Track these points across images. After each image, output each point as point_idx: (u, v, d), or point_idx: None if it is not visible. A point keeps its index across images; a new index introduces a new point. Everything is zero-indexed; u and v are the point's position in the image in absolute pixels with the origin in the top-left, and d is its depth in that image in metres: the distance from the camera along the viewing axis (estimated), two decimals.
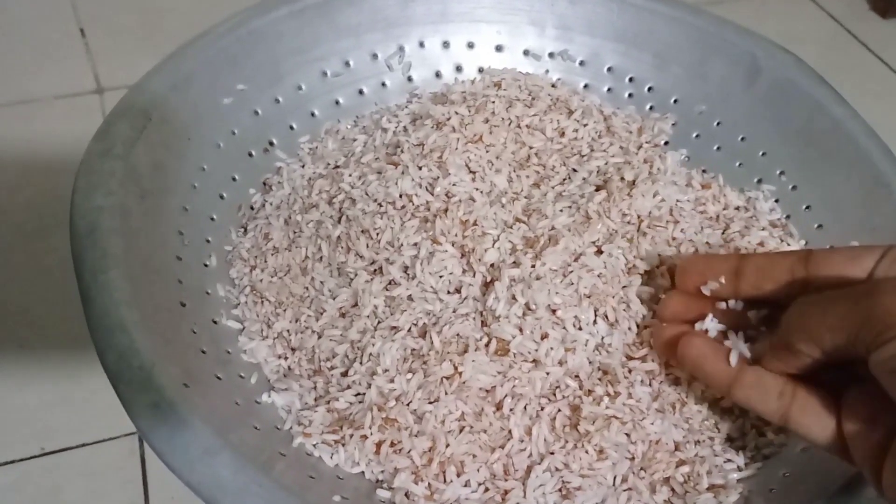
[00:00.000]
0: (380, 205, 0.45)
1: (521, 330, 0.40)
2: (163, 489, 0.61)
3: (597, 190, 0.46)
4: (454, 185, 0.45)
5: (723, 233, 0.49)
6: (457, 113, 0.48)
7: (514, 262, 0.42)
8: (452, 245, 0.43)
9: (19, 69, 0.89)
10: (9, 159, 0.81)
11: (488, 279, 0.42)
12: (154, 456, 0.64)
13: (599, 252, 0.43)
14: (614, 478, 0.39)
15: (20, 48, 0.91)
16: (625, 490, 0.39)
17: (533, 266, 0.41)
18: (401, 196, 0.45)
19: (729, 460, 0.40)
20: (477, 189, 0.45)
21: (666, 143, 0.55)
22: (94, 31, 0.91)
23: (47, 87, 0.90)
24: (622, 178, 0.46)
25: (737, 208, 0.51)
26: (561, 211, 0.44)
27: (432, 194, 0.45)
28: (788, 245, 0.49)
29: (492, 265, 0.43)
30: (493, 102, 0.49)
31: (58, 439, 0.63)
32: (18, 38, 0.91)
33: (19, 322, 0.69)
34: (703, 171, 0.53)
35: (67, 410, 0.65)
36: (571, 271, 0.41)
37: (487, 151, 0.47)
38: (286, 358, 0.43)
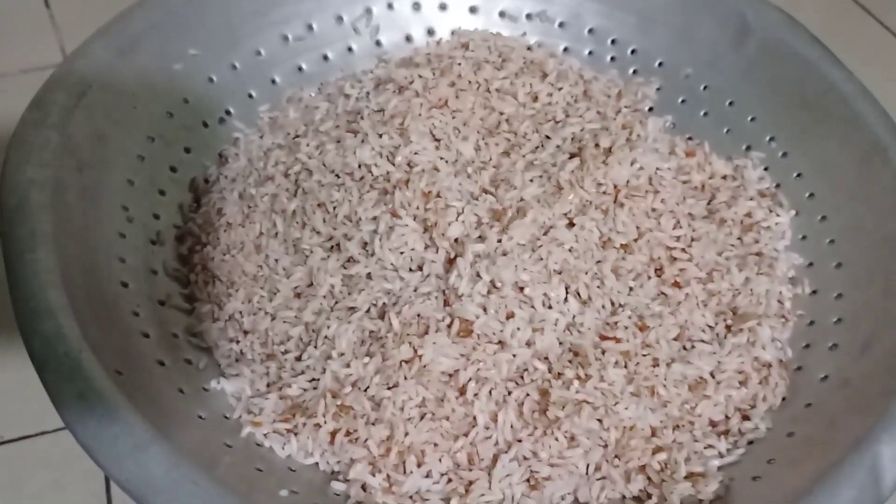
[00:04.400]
0: (337, 176, 0.42)
1: (485, 309, 0.37)
2: None
3: (570, 158, 0.43)
4: (416, 153, 0.42)
5: (708, 203, 0.46)
6: (420, 76, 0.45)
7: (479, 237, 0.39)
8: (414, 219, 0.40)
9: None
10: None
11: (452, 255, 0.40)
12: None
13: (571, 225, 0.40)
14: (586, 466, 0.36)
15: None
16: (598, 479, 0.36)
17: (499, 241, 0.39)
18: (359, 166, 0.42)
19: (710, 446, 0.38)
20: (441, 158, 0.42)
21: (650, 108, 0.52)
22: (58, 1, 0.88)
23: (13, 62, 0.87)
24: (597, 145, 0.43)
25: (723, 177, 0.48)
26: (531, 181, 0.41)
27: (393, 164, 0.42)
28: (777, 216, 0.46)
29: (456, 240, 0.40)
30: (460, 65, 0.46)
31: (17, 427, 0.61)
32: None
33: None
34: (689, 139, 0.50)
35: (26, 398, 0.62)
36: (540, 245, 0.39)
37: (453, 117, 0.44)
38: (238, 342, 0.40)
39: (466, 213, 0.40)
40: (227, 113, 0.49)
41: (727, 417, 0.39)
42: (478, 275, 0.38)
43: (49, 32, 0.83)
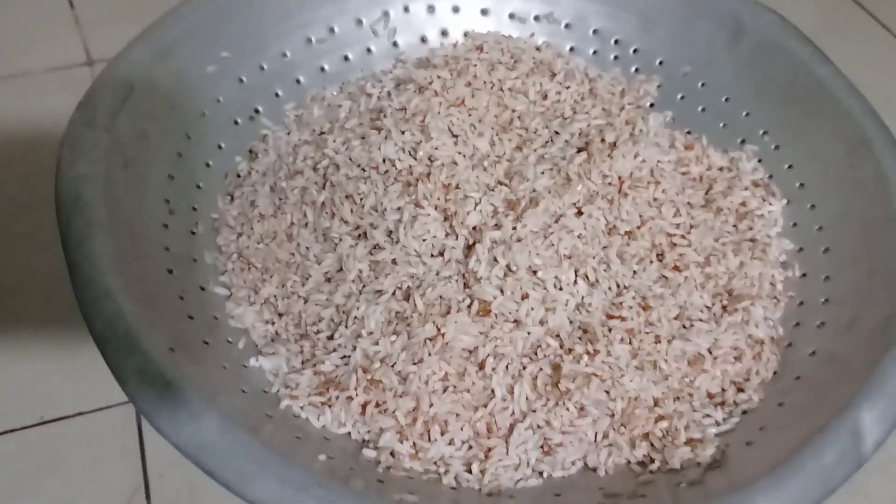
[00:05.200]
0: (363, 170, 0.45)
1: (502, 291, 0.41)
2: (159, 455, 0.62)
3: (578, 152, 0.46)
4: (436, 148, 0.45)
5: (705, 193, 0.49)
6: (439, 77, 0.48)
7: (495, 225, 0.42)
8: (435, 208, 0.43)
9: (9, 43, 0.89)
10: (1, 132, 0.81)
11: (470, 242, 0.43)
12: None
13: (580, 213, 0.43)
14: (595, 434, 0.40)
15: (9, 21, 0.90)
16: (605, 446, 0.40)
17: (514, 228, 0.42)
18: (384, 161, 0.45)
19: (707, 415, 0.41)
20: (459, 153, 0.46)
21: (651, 104, 0.55)
22: (83, 2, 0.91)
23: (38, 61, 0.89)
24: (603, 140, 0.46)
25: (720, 168, 0.51)
26: (542, 173, 0.45)
27: (415, 158, 0.45)
28: (770, 204, 0.49)
29: (474, 228, 0.43)
30: (475, 66, 0.50)
31: (56, 409, 0.64)
32: (7, 11, 0.91)
33: (15, 294, 0.69)
34: (688, 133, 0.53)
35: (65, 380, 0.65)
36: (552, 232, 0.42)
37: (470, 115, 0.48)
38: (273, 323, 0.43)
39: (483, 203, 0.43)
40: (256, 111, 0.52)
41: (723, 390, 0.42)
42: (495, 259, 0.41)
43: (73, 32, 0.86)
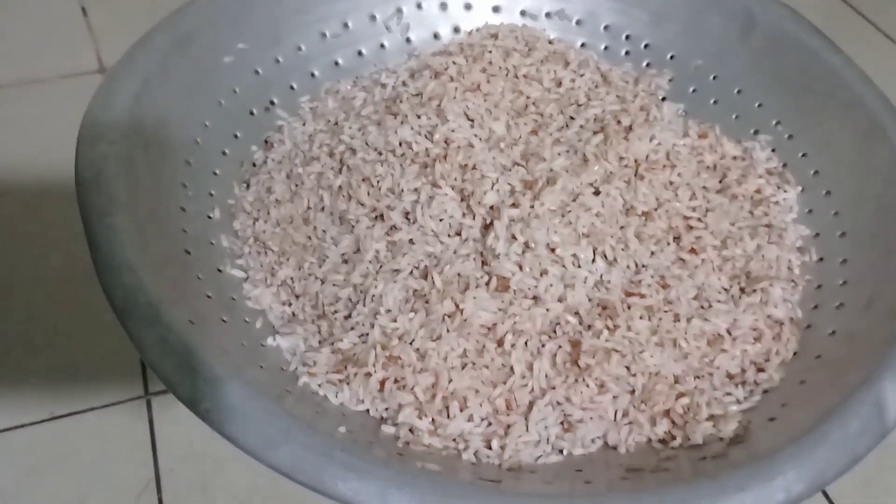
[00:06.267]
0: (380, 153, 0.46)
1: (520, 267, 0.41)
2: (170, 450, 0.61)
3: (594, 134, 0.47)
4: (453, 131, 0.45)
5: (720, 181, 0.50)
6: (454, 63, 0.49)
7: (513, 203, 0.43)
8: (452, 189, 0.43)
9: (22, 50, 0.90)
10: (14, 140, 0.82)
11: (488, 221, 0.43)
12: (162, 419, 0.65)
13: (597, 193, 0.43)
14: (615, 411, 0.39)
15: (23, 28, 0.91)
16: (626, 423, 0.39)
17: (532, 206, 0.42)
18: (400, 144, 0.45)
19: (728, 394, 0.41)
20: (475, 135, 0.46)
21: (663, 98, 0.55)
22: (96, 10, 0.92)
23: (50, 68, 0.90)
24: (619, 123, 0.47)
25: (734, 157, 0.51)
26: (559, 154, 0.45)
27: (431, 141, 0.45)
28: (785, 192, 0.50)
29: (491, 207, 0.43)
30: (490, 52, 0.50)
31: (66, 404, 0.64)
32: (21, 19, 0.92)
33: (28, 293, 0.70)
34: (701, 124, 0.54)
35: (76, 376, 0.65)
36: (569, 211, 0.42)
37: (485, 100, 0.48)
38: (290, 304, 0.43)
39: (501, 183, 0.44)
40: (272, 103, 0.53)
41: (743, 370, 0.42)
42: (513, 236, 0.41)
43: (86, 40, 0.87)
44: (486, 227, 0.43)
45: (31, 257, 0.69)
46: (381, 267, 0.43)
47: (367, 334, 0.41)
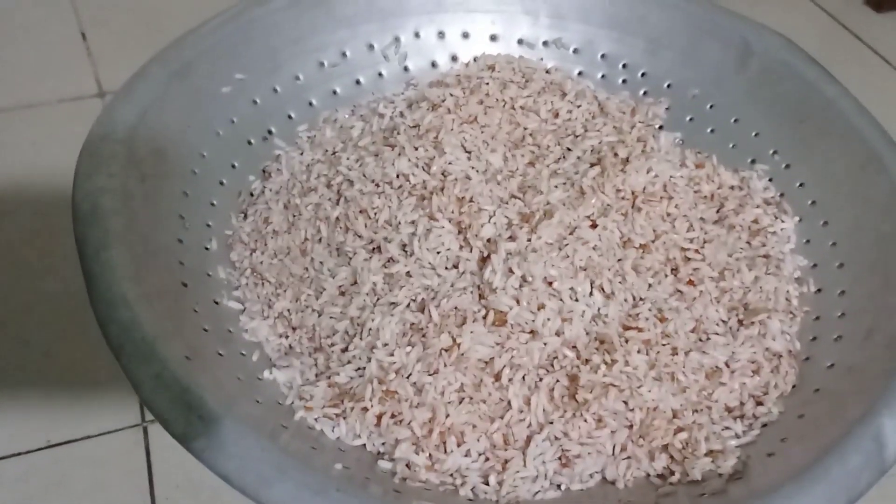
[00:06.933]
0: (377, 185, 0.46)
1: (517, 301, 0.40)
2: (167, 479, 0.61)
3: (591, 167, 0.47)
4: (450, 163, 0.45)
5: (717, 211, 0.50)
6: (451, 95, 0.49)
7: (510, 237, 0.43)
8: (449, 221, 0.43)
9: (22, 74, 0.90)
10: (13, 163, 0.82)
11: (485, 254, 0.43)
12: (158, 446, 0.64)
13: (594, 226, 0.43)
14: (613, 446, 0.39)
15: (23, 53, 0.92)
16: (624, 458, 0.39)
17: (529, 240, 0.42)
18: (398, 176, 0.45)
19: (727, 428, 0.40)
20: (472, 167, 0.46)
21: (660, 127, 0.56)
22: (95, 34, 0.92)
23: (50, 92, 0.91)
24: (616, 155, 0.47)
25: (731, 187, 0.51)
26: (556, 187, 0.45)
27: (429, 173, 0.45)
28: (783, 222, 0.50)
29: (488, 240, 0.43)
30: (488, 84, 0.50)
31: (63, 431, 0.64)
32: (21, 43, 0.92)
33: (25, 318, 0.70)
34: (698, 153, 0.54)
35: (72, 403, 0.65)
36: (567, 244, 0.42)
37: (482, 132, 0.48)
38: (287, 336, 0.43)
39: (498, 216, 0.44)
40: (269, 132, 0.53)
41: (742, 403, 0.42)
42: (510, 270, 0.41)
43: (85, 64, 0.88)
44: (484, 260, 0.43)
45: (27, 282, 0.69)
46: (378, 300, 0.42)
47: (364, 368, 0.40)
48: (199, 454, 0.33)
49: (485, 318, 0.41)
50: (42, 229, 0.77)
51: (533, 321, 0.40)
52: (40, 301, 0.69)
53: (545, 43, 0.59)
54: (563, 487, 0.38)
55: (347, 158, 0.48)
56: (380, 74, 0.57)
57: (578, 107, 0.52)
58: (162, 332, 0.36)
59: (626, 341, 0.41)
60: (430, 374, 0.39)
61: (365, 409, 0.39)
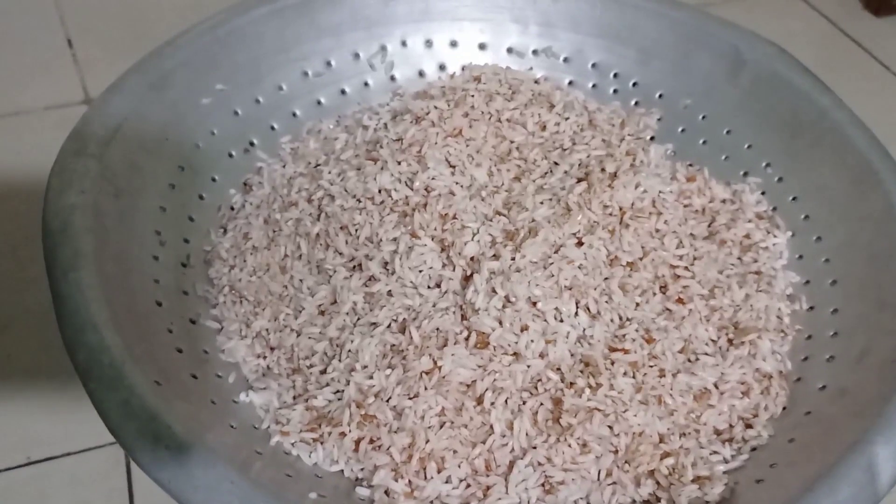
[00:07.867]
0: (358, 200, 0.44)
1: (500, 322, 0.39)
2: (148, 498, 0.60)
3: (578, 182, 0.46)
4: (433, 178, 0.44)
5: (708, 225, 0.48)
6: (436, 107, 0.48)
7: (493, 255, 0.41)
8: (432, 239, 0.42)
9: (7, 81, 0.89)
10: None
11: (468, 272, 0.42)
12: None
13: (580, 244, 0.42)
14: (598, 472, 0.38)
15: (8, 60, 0.91)
16: (609, 484, 0.38)
17: (513, 258, 0.41)
18: (379, 191, 0.44)
19: (715, 452, 0.39)
20: (457, 183, 0.45)
21: (652, 137, 0.54)
22: (81, 41, 0.91)
23: (36, 99, 0.90)
24: (603, 170, 0.46)
25: (723, 201, 0.50)
26: (541, 203, 0.44)
27: (411, 189, 0.44)
28: (775, 237, 0.48)
29: (471, 258, 0.42)
30: (473, 96, 0.49)
31: (44, 448, 0.63)
32: (6, 50, 0.91)
33: (5, 333, 0.68)
34: (689, 165, 0.53)
35: (52, 420, 0.64)
36: (552, 263, 0.41)
37: (467, 145, 0.47)
38: (265, 357, 0.42)
39: (481, 234, 0.42)
40: (251, 144, 0.52)
41: (731, 426, 0.41)
42: (493, 290, 0.40)
43: (71, 71, 0.86)
44: (467, 279, 0.42)
45: (7, 295, 0.68)
46: (358, 320, 0.41)
47: (343, 391, 0.39)
48: (166, 485, 0.32)
49: (467, 339, 0.39)
50: (23, 238, 0.76)
51: (516, 343, 0.39)
52: (20, 315, 0.68)
53: (535, 52, 0.58)
54: None
55: (329, 172, 0.47)
56: (366, 84, 0.56)
57: (567, 119, 0.50)
58: (131, 356, 0.35)
59: (612, 363, 0.40)
60: (409, 398, 0.38)
61: (343, 434, 0.38)
